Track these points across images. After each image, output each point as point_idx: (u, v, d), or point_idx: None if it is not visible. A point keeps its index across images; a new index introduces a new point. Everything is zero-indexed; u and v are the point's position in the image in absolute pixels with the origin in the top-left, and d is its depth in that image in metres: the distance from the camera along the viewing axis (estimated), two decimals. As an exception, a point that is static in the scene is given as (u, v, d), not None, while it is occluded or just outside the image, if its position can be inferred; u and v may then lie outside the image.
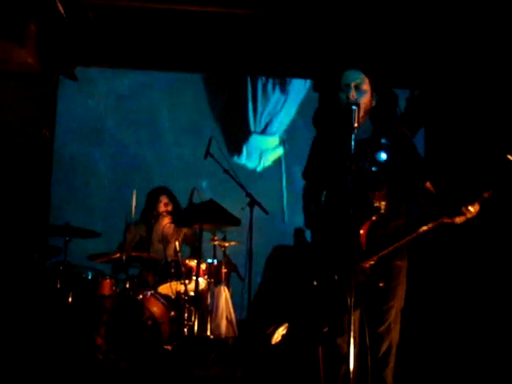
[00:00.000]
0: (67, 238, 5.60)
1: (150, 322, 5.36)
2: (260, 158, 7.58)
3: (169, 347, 5.44)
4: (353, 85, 3.33)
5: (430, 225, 3.14)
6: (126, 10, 6.01)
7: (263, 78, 7.79)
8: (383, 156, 3.33)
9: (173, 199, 6.45)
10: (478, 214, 3.07)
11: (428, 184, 3.44)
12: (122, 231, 6.18)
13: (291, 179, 7.70)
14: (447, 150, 6.45)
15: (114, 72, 7.48)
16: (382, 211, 3.28)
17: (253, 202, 5.44)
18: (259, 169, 7.64)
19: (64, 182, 7.21)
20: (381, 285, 3.28)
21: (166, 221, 6.39)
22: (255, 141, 7.15)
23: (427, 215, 3.20)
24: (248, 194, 5.42)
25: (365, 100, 3.37)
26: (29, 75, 6.20)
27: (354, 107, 3.16)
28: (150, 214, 6.42)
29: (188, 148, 7.63)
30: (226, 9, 5.97)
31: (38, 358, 5.00)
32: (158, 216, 6.37)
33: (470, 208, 3.03)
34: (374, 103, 3.45)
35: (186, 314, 5.69)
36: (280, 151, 7.76)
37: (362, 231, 3.20)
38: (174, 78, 7.71)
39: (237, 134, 6.86)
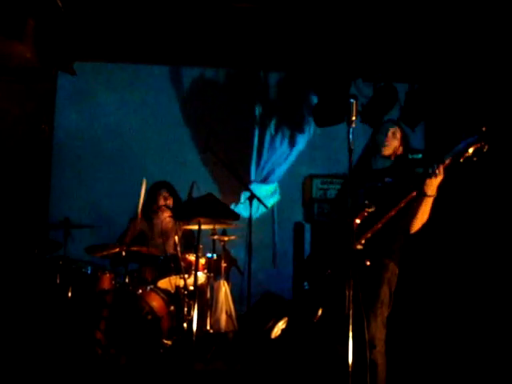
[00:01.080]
0: (67, 231, 5.57)
1: (149, 317, 5.36)
2: (258, 206, 7.61)
3: (168, 342, 5.44)
4: (391, 131, 4.00)
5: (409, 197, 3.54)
6: (125, 3, 6.00)
7: (272, 131, 7.84)
8: (389, 180, 3.82)
9: (173, 193, 6.43)
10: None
11: None
12: (124, 225, 6.21)
13: (282, 225, 7.73)
14: (447, 143, 6.45)
15: (114, 66, 7.46)
16: (372, 209, 3.54)
17: (252, 197, 5.41)
18: (255, 216, 7.64)
19: (64, 177, 7.19)
20: (367, 263, 3.47)
21: (165, 215, 6.38)
22: (253, 189, 7.11)
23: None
24: (247, 189, 5.38)
25: (395, 144, 3.99)
26: (27, 70, 6.21)
27: (352, 100, 3.29)
28: (150, 209, 6.40)
29: (189, 142, 7.63)
30: (228, 2, 5.97)
31: (38, 352, 5.01)
32: (157, 210, 6.35)
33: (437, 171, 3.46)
34: (401, 151, 4.03)
35: (185, 309, 5.68)
36: (276, 197, 7.81)
37: (358, 220, 3.46)
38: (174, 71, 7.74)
39: (235, 183, 6.87)
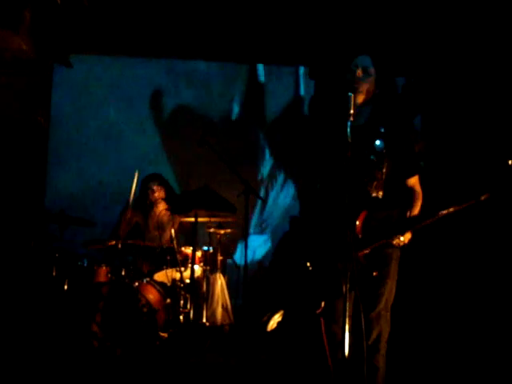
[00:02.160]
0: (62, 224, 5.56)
1: (145, 309, 5.35)
2: (253, 255, 7.66)
3: (164, 334, 5.44)
4: (360, 69, 3.42)
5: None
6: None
7: (277, 186, 7.86)
8: (380, 144, 3.34)
9: (164, 185, 6.39)
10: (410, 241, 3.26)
11: (412, 181, 3.46)
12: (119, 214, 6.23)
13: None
14: (443, 136, 6.46)
15: (110, 59, 7.42)
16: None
17: (248, 190, 5.36)
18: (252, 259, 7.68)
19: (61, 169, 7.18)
20: (374, 274, 3.30)
21: (160, 207, 6.37)
22: (250, 240, 7.14)
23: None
24: (243, 182, 5.34)
25: (369, 83, 3.43)
26: (23, 62, 6.18)
27: (350, 94, 3.13)
28: (144, 202, 6.38)
29: (186, 136, 7.62)
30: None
31: (35, 345, 5.01)
32: (152, 203, 6.33)
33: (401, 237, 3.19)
34: (377, 91, 3.48)
35: (181, 302, 5.69)
36: (268, 245, 7.84)
37: (358, 222, 3.19)
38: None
39: (233, 237, 6.92)
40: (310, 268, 3.41)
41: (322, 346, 3.47)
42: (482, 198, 2.93)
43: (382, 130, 3.37)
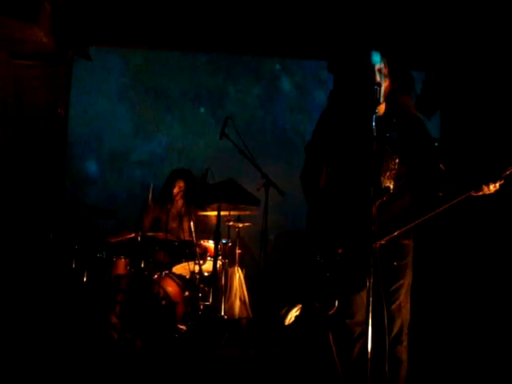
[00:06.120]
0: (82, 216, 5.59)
1: (164, 302, 5.38)
2: None
3: (183, 327, 5.47)
4: (376, 69, 3.25)
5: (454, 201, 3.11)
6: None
7: None
8: (394, 134, 3.32)
9: (189, 182, 6.40)
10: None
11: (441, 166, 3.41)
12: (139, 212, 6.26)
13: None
14: (463, 132, 6.43)
15: (129, 51, 7.44)
16: (392, 191, 3.29)
17: (268, 183, 5.34)
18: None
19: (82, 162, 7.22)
20: (395, 263, 3.29)
21: (179, 202, 6.39)
22: None
23: (450, 192, 3.17)
24: (264, 175, 5.32)
25: (384, 87, 3.28)
26: (44, 54, 6.20)
27: (376, 87, 3.12)
28: (165, 195, 6.40)
29: (206, 127, 7.62)
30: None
31: (54, 336, 5.04)
32: (172, 198, 6.35)
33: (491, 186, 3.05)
34: (391, 86, 3.35)
35: (200, 294, 5.71)
36: None
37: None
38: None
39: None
40: (321, 262, 3.38)
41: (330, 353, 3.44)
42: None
43: (395, 120, 3.34)
